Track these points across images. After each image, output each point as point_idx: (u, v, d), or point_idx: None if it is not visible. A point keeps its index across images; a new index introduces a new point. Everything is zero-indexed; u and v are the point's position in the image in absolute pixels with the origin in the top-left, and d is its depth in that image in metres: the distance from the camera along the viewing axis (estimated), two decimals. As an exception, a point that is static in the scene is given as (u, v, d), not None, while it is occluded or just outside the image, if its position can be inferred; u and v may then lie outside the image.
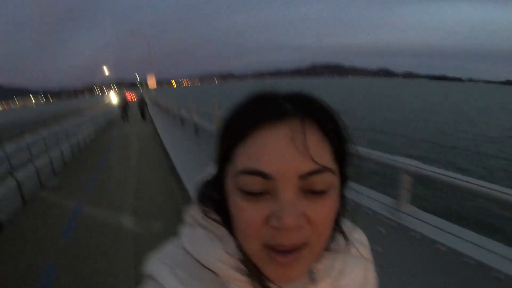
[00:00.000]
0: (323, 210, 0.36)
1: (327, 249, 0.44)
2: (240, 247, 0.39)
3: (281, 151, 0.34)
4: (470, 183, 1.81)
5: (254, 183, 0.35)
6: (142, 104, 18.48)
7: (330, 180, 0.36)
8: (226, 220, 0.40)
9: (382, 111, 28.64)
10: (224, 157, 0.39)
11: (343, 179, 0.40)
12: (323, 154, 0.36)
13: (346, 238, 0.47)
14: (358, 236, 0.53)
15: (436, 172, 1.99)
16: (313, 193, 0.35)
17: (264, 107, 0.37)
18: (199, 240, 0.41)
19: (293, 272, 0.36)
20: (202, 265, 0.40)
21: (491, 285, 1.71)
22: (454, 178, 1.90)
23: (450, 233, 2.00)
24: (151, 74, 37.39)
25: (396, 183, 2.18)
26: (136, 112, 18.29)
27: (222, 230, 0.41)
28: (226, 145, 0.38)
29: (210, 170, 0.45)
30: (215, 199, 0.42)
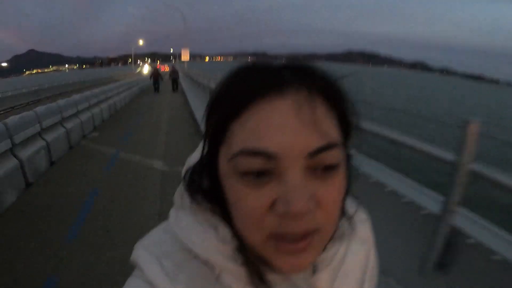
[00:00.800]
0: (333, 190, 0.31)
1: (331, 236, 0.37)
2: (234, 234, 0.35)
3: (286, 126, 0.29)
4: (399, 137, 2.30)
5: (255, 165, 0.30)
6: (174, 74, 19.13)
7: (339, 156, 0.32)
8: (221, 208, 0.36)
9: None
10: (216, 136, 0.34)
11: (348, 154, 0.35)
12: (332, 128, 0.32)
13: (350, 221, 0.42)
14: (362, 215, 0.49)
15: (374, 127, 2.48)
16: (321, 172, 0.31)
17: (261, 76, 0.32)
18: (189, 225, 0.37)
19: (306, 259, 0.32)
20: (193, 253, 0.36)
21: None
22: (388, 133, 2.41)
23: (386, 173, 2.56)
24: (185, 47, 37.95)
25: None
26: (168, 82, 19.00)
27: (214, 217, 0.37)
28: (218, 122, 0.33)
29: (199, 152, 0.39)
30: (204, 188, 0.37)
